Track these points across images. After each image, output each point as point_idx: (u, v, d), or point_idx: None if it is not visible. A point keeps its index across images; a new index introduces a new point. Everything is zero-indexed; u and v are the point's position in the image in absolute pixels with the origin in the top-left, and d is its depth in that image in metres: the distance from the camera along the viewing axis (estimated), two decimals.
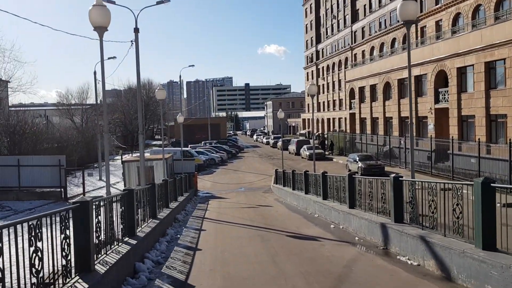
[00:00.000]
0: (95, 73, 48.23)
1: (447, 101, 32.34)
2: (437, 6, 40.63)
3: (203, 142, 66.52)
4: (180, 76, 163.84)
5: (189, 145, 55.13)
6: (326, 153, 48.75)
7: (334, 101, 74.68)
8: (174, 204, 17.72)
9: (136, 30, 18.97)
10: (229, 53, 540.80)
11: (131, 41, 20.70)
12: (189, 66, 62.83)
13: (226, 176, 39.62)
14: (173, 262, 9.80)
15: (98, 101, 41.83)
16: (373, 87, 46.93)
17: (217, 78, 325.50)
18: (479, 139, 26.01)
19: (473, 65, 29.15)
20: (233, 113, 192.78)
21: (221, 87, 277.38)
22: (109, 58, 37.57)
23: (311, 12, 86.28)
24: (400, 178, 10.28)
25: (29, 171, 27.11)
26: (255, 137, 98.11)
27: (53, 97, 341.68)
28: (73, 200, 6.57)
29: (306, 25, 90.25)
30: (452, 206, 7.85)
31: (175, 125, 77.55)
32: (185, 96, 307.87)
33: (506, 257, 6.43)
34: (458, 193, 7.76)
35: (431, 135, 32.74)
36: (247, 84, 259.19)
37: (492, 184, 6.98)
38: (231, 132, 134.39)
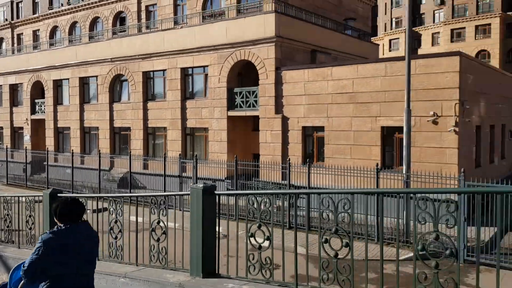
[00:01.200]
0: None
1: (44, 112, 32.36)
2: (35, 15, 39.98)
3: None
4: None
5: None
6: None
7: None
8: None
9: None
10: None
11: None
12: None
13: None
14: None
15: None
16: None
17: None
18: (72, 150, 27.36)
19: (69, 79, 30.42)
20: None
21: None
22: None
23: None
24: None
25: None
26: None
27: None
28: None
29: None
30: (26, 218, 8.10)
31: None
32: None
33: None
34: (31, 205, 8.08)
35: (26, 147, 31.86)
36: None
37: (58, 194, 7.67)
38: None
